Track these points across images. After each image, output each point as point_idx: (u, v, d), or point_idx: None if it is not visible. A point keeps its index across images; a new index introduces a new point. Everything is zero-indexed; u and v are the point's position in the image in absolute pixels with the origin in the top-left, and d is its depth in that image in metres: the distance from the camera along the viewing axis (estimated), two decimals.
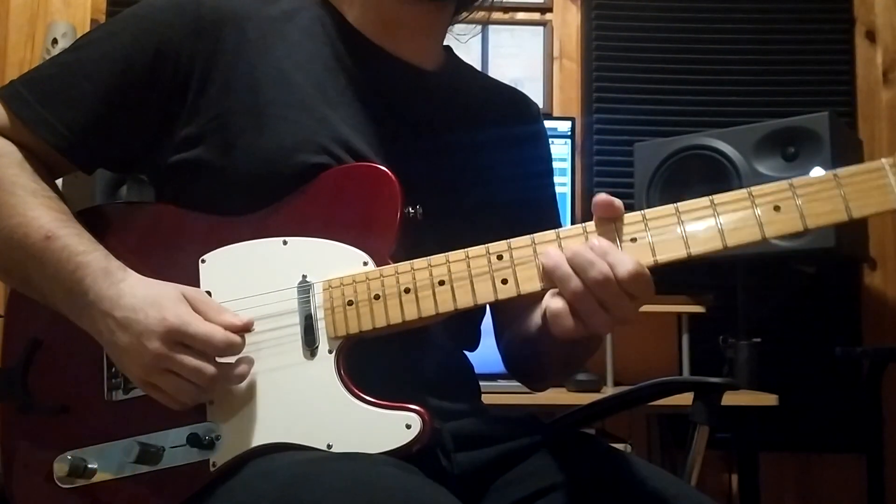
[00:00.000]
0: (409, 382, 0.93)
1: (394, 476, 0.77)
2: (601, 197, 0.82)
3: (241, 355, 0.86)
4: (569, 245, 0.81)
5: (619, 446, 1.27)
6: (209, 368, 0.83)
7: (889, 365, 2.20)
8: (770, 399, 1.85)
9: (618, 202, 0.82)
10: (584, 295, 0.79)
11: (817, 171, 1.91)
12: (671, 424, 2.23)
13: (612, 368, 1.96)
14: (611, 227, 0.82)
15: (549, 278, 0.81)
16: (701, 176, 2.08)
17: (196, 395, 0.84)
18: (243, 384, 0.87)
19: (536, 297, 0.90)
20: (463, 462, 0.94)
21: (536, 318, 0.98)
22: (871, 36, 2.59)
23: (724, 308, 2.09)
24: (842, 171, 0.79)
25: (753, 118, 2.20)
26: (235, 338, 0.85)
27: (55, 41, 2.37)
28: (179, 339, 0.82)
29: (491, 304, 0.85)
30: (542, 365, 1.07)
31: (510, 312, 1.09)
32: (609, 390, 1.89)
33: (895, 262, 2.51)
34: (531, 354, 1.05)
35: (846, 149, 2.08)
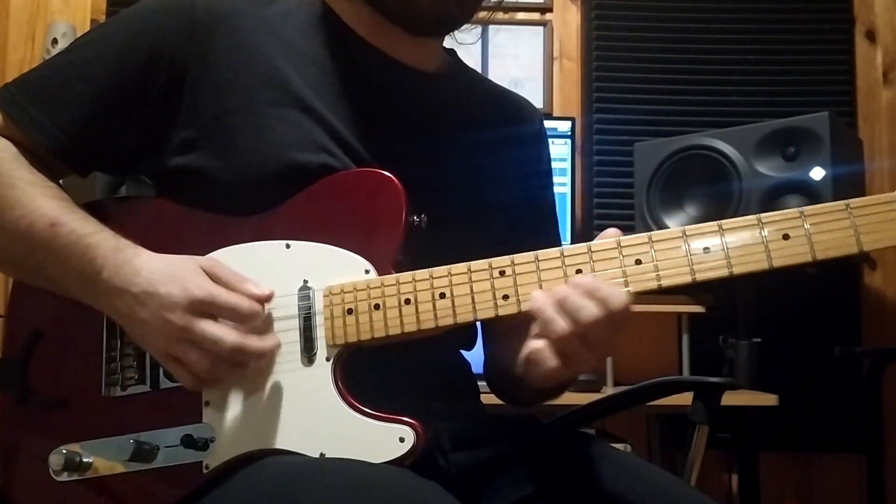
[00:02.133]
0: (407, 382, 0.93)
1: (390, 476, 0.77)
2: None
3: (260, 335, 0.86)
4: (556, 289, 0.80)
5: (619, 446, 1.27)
6: (229, 337, 0.82)
7: (889, 365, 2.19)
8: (770, 399, 1.85)
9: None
10: (570, 337, 0.78)
11: (818, 172, 1.92)
12: (671, 424, 2.23)
13: (612, 368, 1.95)
14: (615, 247, 0.81)
15: (536, 321, 0.80)
16: (701, 176, 2.08)
17: (213, 369, 0.82)
18: (241, 387, 0.86)
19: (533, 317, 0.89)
20: (461, 462, 0.94)
21: (519, 353, 0.96)
22: (871, 36, 2.58)
23: (724, 308, 2.09)
24: (854, 201, 0.77)
25: (753, 118, 2.20)
26: (258, 307, 0.84)
27: (55, 41, 2.37)
28: (205, 310, 0.82)
29: (491, 320, 0.85)
30: (521, 396, 1.06)
31: (500, 327, 1.08)
32: (609, 390, 1.88)
33: (895, 262, 2.51)
34: (511, 383, 1.03)
35: (846, 149, 2.08)
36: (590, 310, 0.77)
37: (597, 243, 0.82)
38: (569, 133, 2.30)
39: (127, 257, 0.86)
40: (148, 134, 0.96)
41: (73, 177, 1.03)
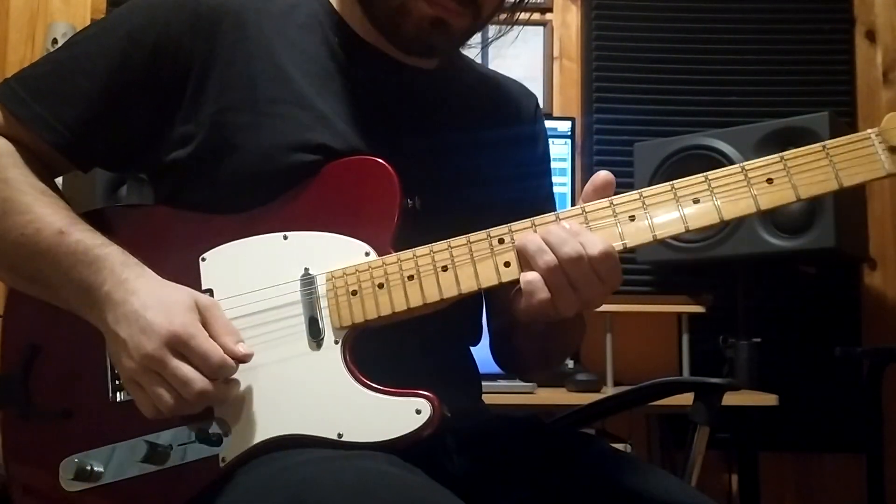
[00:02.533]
0: (412, 382, 0.92)
1: (398, 476, 0.77)
2: (605, 179, 0.85)
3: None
4: (547, 226, 0.83)
5: (619, 446, 1.28)
6: (198, 383, 0.81)
7: (889, 365, 2.19)
8: (770, 399, 1.85)
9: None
10: (556, 269, 0.81)
11: None
12: (671, 424, 2.23)
13: (612, 368, 1.96)
14: (608, 206, 0.83)
15: (524, 254, 0.83)
16: None
17: (175, 407, 0.83)
18: (250, 379, 0.86)
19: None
20: (464, 462, 0.94)
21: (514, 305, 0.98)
22: (871, 36, 2.58)
23: (724, 308, 2.09)
24: (830, 142, 0.81)
25: (753, 118, 2.20)
26: (230, 362, 0.83)
27: (55, 41, 2.37)
28: (178, 348, 0.82)
29: (494, 289, 0.86)
30: (521, 353, 1.08)
31: (503, 299, 1.08)
32: (609, 390, 1.89)
33: (895, 262, 2.51)
34: (510, 340, 1.06)
35: None
36: (571, 245, 0.80)
37: (591, 204, 0.85)
38: (569, 133, 2.30)
39: (131, 275, 0.86)
40: (151, 129, 0.96)
41: (74, 177, 1.03)
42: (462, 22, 0.97)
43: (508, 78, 1.19)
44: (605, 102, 2.51)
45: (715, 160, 2.05)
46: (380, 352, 0.88)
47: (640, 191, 0.84)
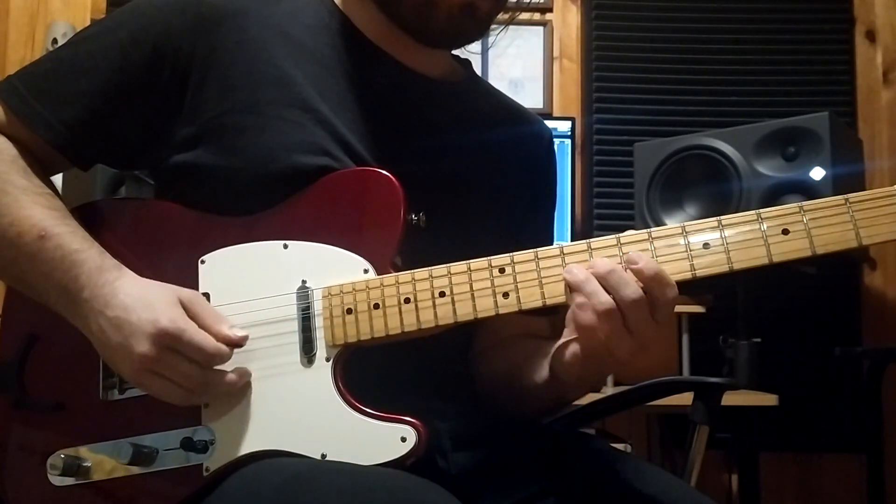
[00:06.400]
0: (407, 382, 0.92)
1: (393, 475, 0.77)
2: None
3: (235, 364, 0.86)
4: (599, 262, 0.78)
5: (619, 446, 1.27)
6: (198, 375, 0.82)
7: (889, 365, 2.19)
8: (770, 399, 1.85)
9: None
10: (611, 314, 0.77)
11: (818, 172, 1.92)
12: (671, 424, 2.23)
13: None
14: (614, 244, 0.81)
15: (579, 291, 0.78)
16: (701, 176, 2.08)
17: (185, 398, 0.84)
18: (240, 389, 0.86)
19: (528, 330, 0.91)
20: (461, 462, 0.93)
21: (539, 368, 0.95)
22: (871, 36, 2.58)
23: (724, 308, 2.09)
24: (853, 196, 0.77)
25: (753, 118, 2.20)
26: (225, 350, 0.84)
27: (55, 41, 2.37)
28: (169, 344, 0.82)
29: (491, 319, 0.84)
30: (525, 408, 1.03)
31: (498, 337, 1.06)
32: (609, 390, 1.88)
33: (895, 262, 2.51)
34: (516, 395, 1.01)
35: (846, 149, 2.08)
36: (632, 288, 0.76)
37: (596, 240, 0.82)
38: (569, 133, 2.30)
39: (109, 279, 0.86)
40: (150, 130, 0.96)
41: (73, 176, 1.02)
42: (489, 3, 0.97)
43: (524, 107, 1.18)
44: (605, 102, 2.51)
45: (715, 160, 2.05)
46: (375, 355, 0.87)
47: (649, 230, 0.80)
